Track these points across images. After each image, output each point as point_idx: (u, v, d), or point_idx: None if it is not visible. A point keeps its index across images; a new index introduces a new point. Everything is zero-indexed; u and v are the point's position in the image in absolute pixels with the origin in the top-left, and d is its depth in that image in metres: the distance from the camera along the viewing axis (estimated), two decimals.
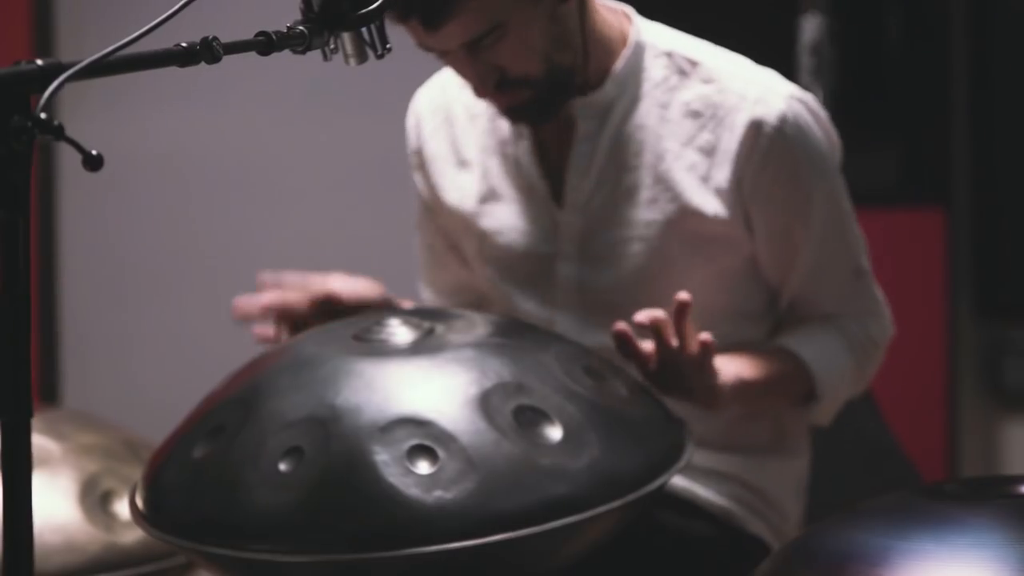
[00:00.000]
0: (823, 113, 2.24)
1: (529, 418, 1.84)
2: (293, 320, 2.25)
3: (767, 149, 2.16)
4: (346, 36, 1.84)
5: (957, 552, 1.64)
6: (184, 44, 1.65)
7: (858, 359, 2.27)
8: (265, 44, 1.74)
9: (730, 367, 2.09)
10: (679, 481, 2.17)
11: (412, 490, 1.76)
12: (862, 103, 3.74)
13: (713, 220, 2.18)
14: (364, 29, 1.84)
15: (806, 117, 2.19)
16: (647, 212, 2.19)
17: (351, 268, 2.36)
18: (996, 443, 4.14)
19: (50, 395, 3.58)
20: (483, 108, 2.30)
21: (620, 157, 2.20)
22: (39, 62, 1.49)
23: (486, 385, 1.85)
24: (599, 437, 1.85)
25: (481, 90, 2.13)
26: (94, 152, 1.48)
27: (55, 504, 2.12)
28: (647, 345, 2.01)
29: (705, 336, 2.00)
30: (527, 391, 1.86)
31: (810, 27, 3.48)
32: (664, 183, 2.18)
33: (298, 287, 2.26)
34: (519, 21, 2.07)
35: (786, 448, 2.33)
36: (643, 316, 2.00)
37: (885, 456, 2.78)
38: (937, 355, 3.92)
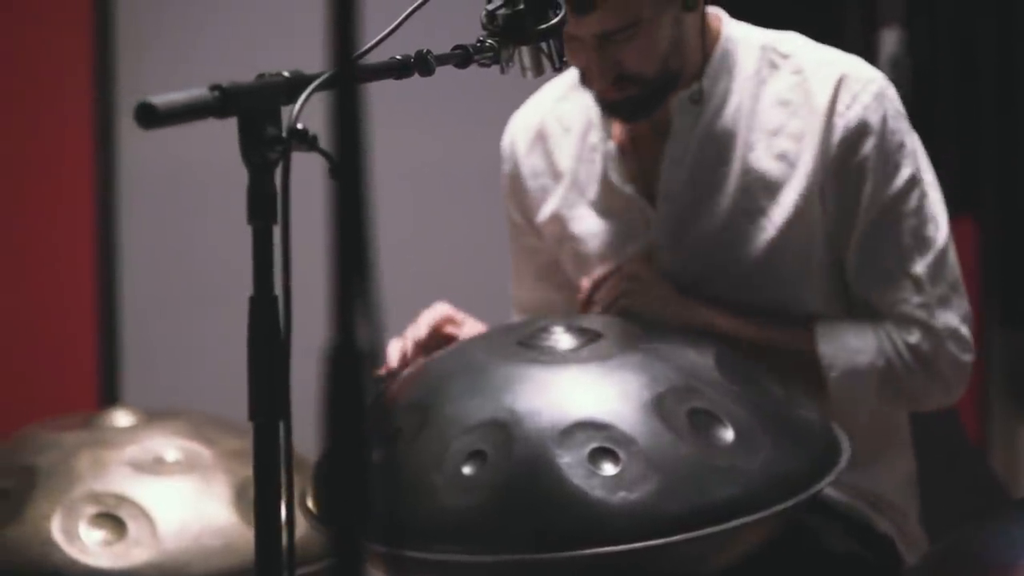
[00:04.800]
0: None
1: (703, 420, 1.89)
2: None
3: (849, 104, 2.22)
4: (525, 49, 1.89)
5: None
6: (399, 57, 1.70)
7: (891, 362, 2.24)
8: (463, 57, 1.80)
9: (703, 313, 2.24)
10: None
11: (597, 491, 1.81)
12: None
13: (797, 205, 2.23)
14: (544, 43, 1.89)
15: (893, 96, 2.26)
16: (739, 201, 2.26)
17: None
18: (1019, 450, 4.21)
19: (110, 400, 3.60)
20: (575, 120, 2.39)
21: (713, 149, 2.27)
22: (285, 74, 1.54)
23: (659, 389, 1.90)
24: (768, 438, 1.90)
25: (598, 82, 2.19)
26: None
27: (213, 508, 2.15)
28: None
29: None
30: (698, 394, 1.92)
31: (890, 40, 3.54)
32: (754, 172, 2.26)
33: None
34: (654, 22, 2.16)
35: (892, 448, 2.38)
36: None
37: (967, 461, 2.84)
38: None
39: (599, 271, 2.30)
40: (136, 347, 3.69)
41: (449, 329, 2.28)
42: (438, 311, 2.30)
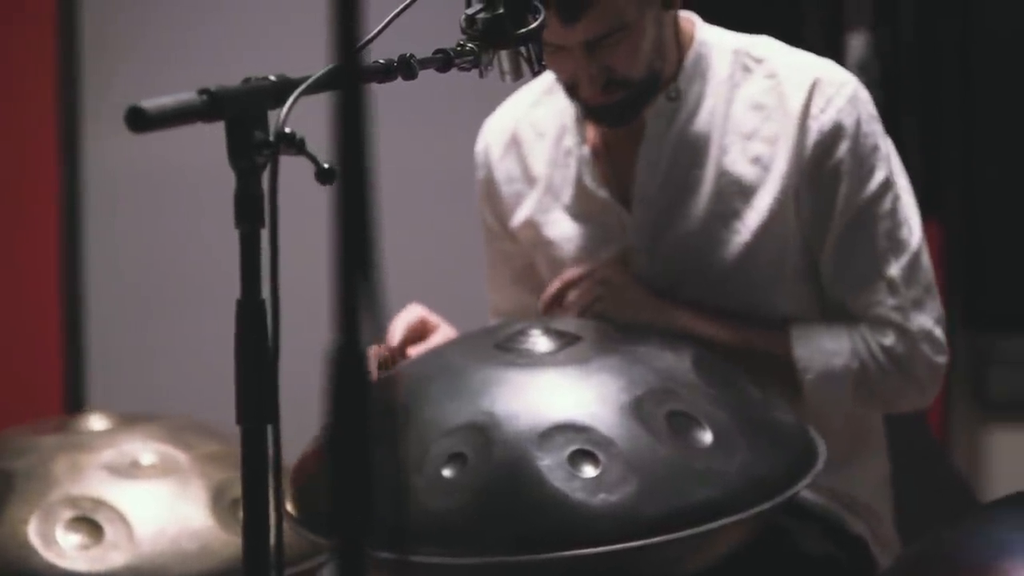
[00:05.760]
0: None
1: (681, 423, 1.90)
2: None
3: (823, 107, 2.23)
4: (504, 53, 1.90)
5: None
6: (382, 60, 1.70)
7: (865, 364, 2.25)
8: (444, 61, 1.80)
9: (678, 316, 2.24)
10: None
11: (578, 494, 1.82)
12: None
13: (771, 209, 2.24)
14: (523, 46, 1.90)
15: (867, 99, 2.27)
16: (714, 205, 2.27)
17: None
18: (981, 451, 4.24)
19: (76, 404, 3.59)
20: (549, 125, 2.39)
21: (687, 153, 2.28)
22: (272, 78, 1.54)
23: (637, 392, 1.91)
24: (746, 441, 1.92)
25: (587, 89, 2.19)
26: (326, 165, 1.52)
27: (189, 512, 2.15)
28: None
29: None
30: (676, 396, 1.93)
31: (857, 44, 3.55)
32: (729, 176, 2.26)
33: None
34: (639, 24, 2.16)
35: (866, 450, 2.40)
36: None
37: (932, 462, 2.86)
38: None
39: (570, 272, 2.30)
40: (101, 352, 3.67)
41: (412, 350, 2.27)
42: (412, 315, 2.29)
